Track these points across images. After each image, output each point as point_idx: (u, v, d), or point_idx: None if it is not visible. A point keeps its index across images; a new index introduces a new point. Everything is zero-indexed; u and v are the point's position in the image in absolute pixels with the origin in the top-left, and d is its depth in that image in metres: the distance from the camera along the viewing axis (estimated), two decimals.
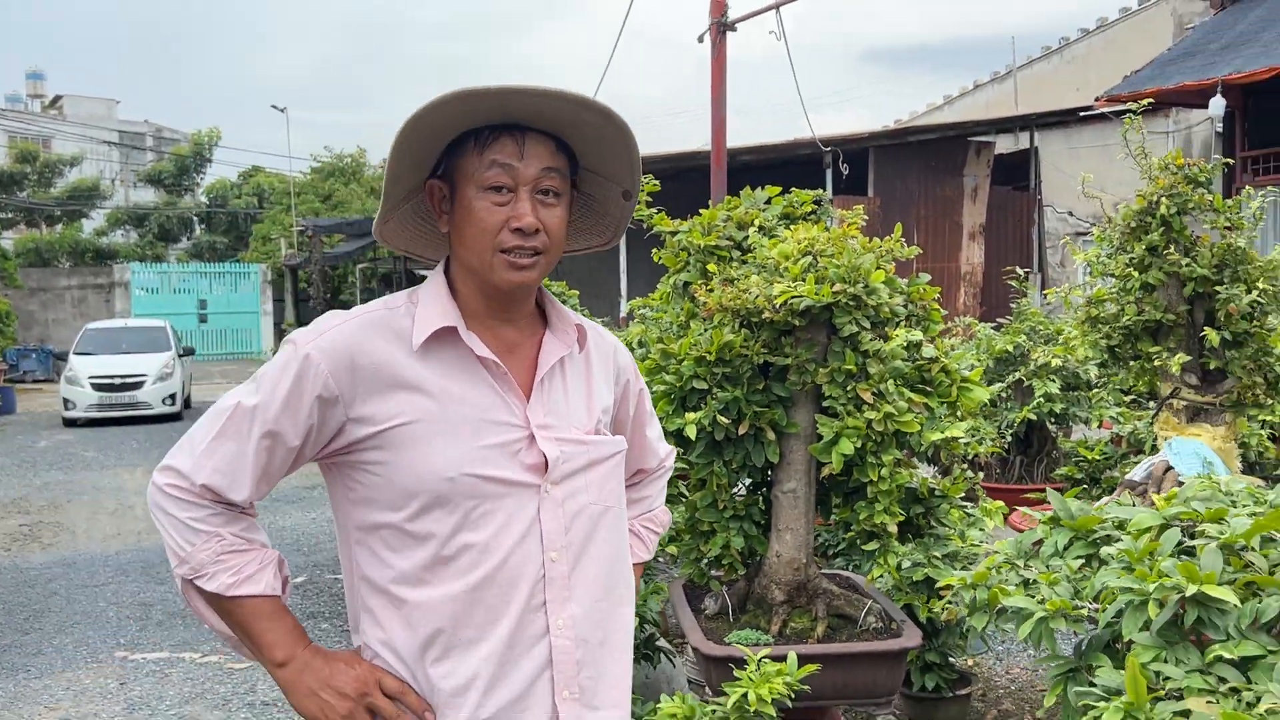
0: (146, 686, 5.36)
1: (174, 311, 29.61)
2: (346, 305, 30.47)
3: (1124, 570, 2.14)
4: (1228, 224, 4.47)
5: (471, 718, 1.56)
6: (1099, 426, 6.92)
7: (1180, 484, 4.21)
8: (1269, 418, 4.50)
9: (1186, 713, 1.79)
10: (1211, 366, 4.63)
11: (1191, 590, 1.92)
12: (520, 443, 1.60)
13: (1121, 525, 2.44)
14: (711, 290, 3.68)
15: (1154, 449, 4.70)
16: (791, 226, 4.17)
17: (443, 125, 1.56)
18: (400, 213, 1.69)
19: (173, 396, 17.72)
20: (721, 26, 6.14)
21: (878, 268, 3.48)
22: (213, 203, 39.85)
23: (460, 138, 1.59)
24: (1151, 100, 6.14)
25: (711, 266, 3.91)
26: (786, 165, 15.88)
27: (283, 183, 38.60)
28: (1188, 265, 4.40)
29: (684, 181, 16.36)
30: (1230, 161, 5.41)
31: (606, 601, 1.66)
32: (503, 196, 1.57)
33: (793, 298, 3.37)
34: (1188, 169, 4.57)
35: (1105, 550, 2.29)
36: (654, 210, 4.57)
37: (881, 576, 3.61)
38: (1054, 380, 6.78)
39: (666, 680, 4.39)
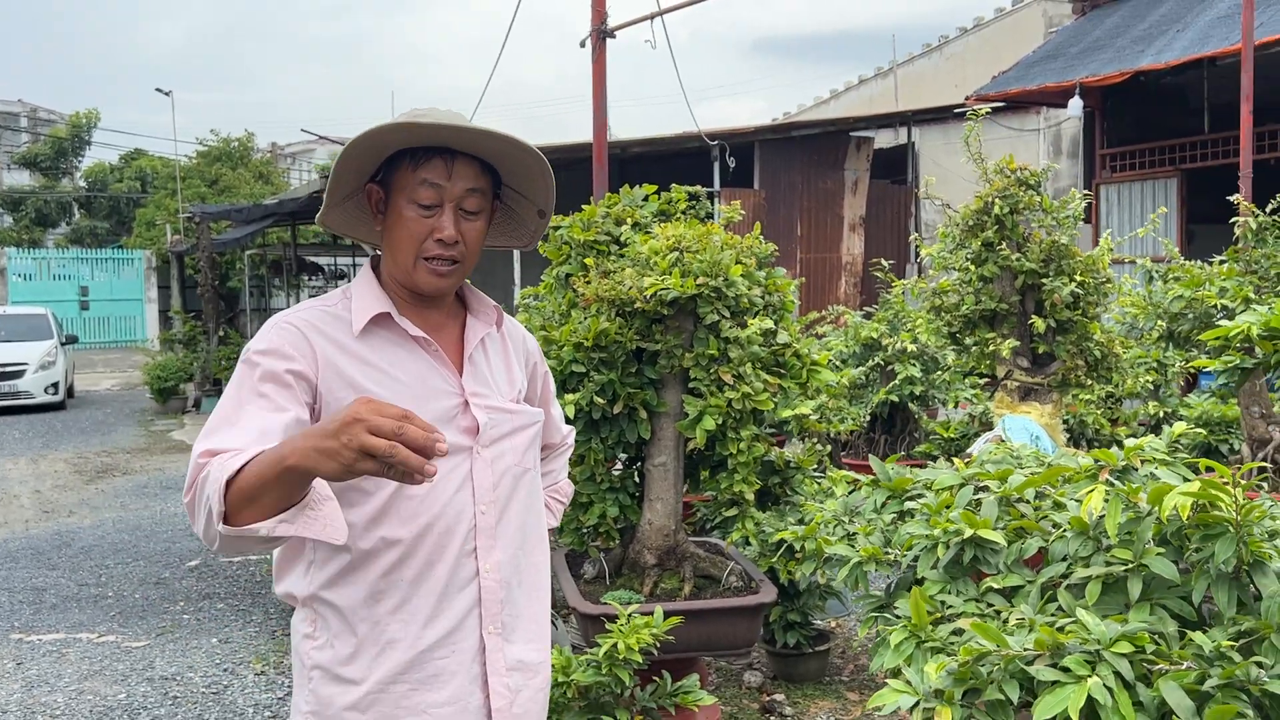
0: (44, 666, 5.49)
1: (53, 299, 28.76)
2: (234, 293, 29.70)
3: (924, 521, 2.55)
4: (1054, 222, 4.98)
5: (414, 646, 1.77)
6: (955, 407, 7.46)
7: None
8: (1089, 396, 5.02)
9: (959, 631, 2.19)
10: (1040, 350, 5.15)
11: (969, 534, 2.33)
12: (456, 409, 1.82)
13: (929, 485, 2.86)
14: (589, 282, 4.01)
15: (988, 425, 5.20)
16: (664, 223, 4.53)
17: (385, 144, 1.79)
18: (342, 207, 1.92)
19: (55, 385, 17.39)
20: (602, 34, 6.45)
21: (737, 262, 3.86)
22: (92, 187, 38.64)
23: (398, 153, 1.81)
24: (990, 109, 6.66)
25: (590, 260, 4.25)
26: (677, 157, 16.27)
27: (167, 166, 37.61)
28: (1019, 260, 4.90)
29: (576, 172, 16.65)
30: (1056, 167, 5.94)
31: (524, 549, 1.89)
32: (429, 211, 1.79)
33: (661, 290, 3.73)
34: (1019, 173, 5.07)
35: (909, 505, 2.70)
36: None
37: (748, 543, 4.00)
38: (914, 364, 7.29)
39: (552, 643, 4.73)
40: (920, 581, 2.58)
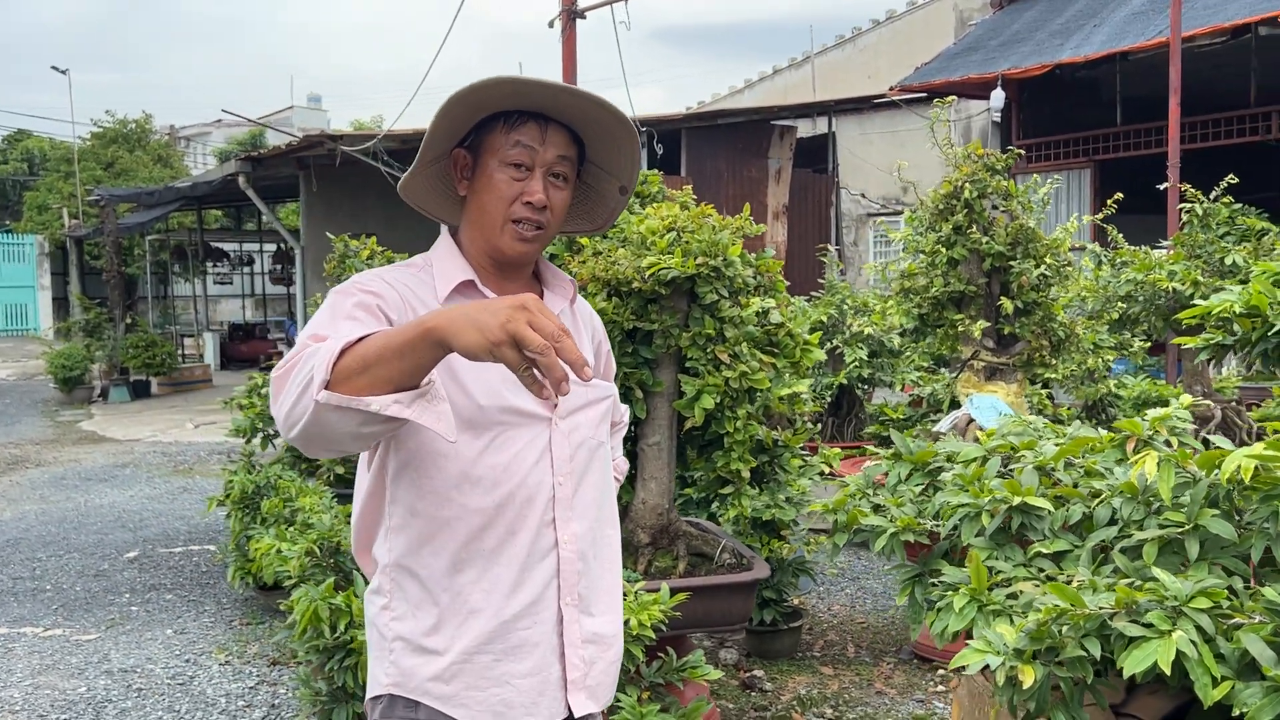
0: None
1: None
2: (132, 279, 28.64)
3: (958, 491, 2.61)
4: (1020, 207, 5.13)
5: (497, 616, 1.75)
6: (901, 390, 7.63)
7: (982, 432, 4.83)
8: (1053, 375, 5.19)
9: (1015, 595, 2.26)
10: (1005, 331, 5.30)
11: (1017, 501, 2.41)
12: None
13: (950, 458, 2.93)
14: (584, 262, 4.00)
15: (953, 405, 5.34)
16: (648, 205, 4.54)
17: (482, 103, 1.75)
18: (426, 173, 1.87)
19: None
20: (571, 14, 6.41)
21: (733, 243, 3.89)
22: None
23: (490, 117, 1.78)
24: (953, 97, 6.81)
25: (585, 240, 4.24)
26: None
27: (56, 148, 36.22)
28: (987, 243, 5.04)
29: None
30: (1022, 152, 6.11)
31: (599, 522, 1.88)
32: (520, 174, 1.77)
33: (661, 269, 3.74)
34: (987, 158, 5.21)
35: (943, 476, 2.77)
36: None
37: (730, 518, 4.05)
38: (862, 348, 7.43)
39: None
40: (955, 551, 2.64)
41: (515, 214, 1.79)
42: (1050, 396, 6.73)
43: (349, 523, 4.79)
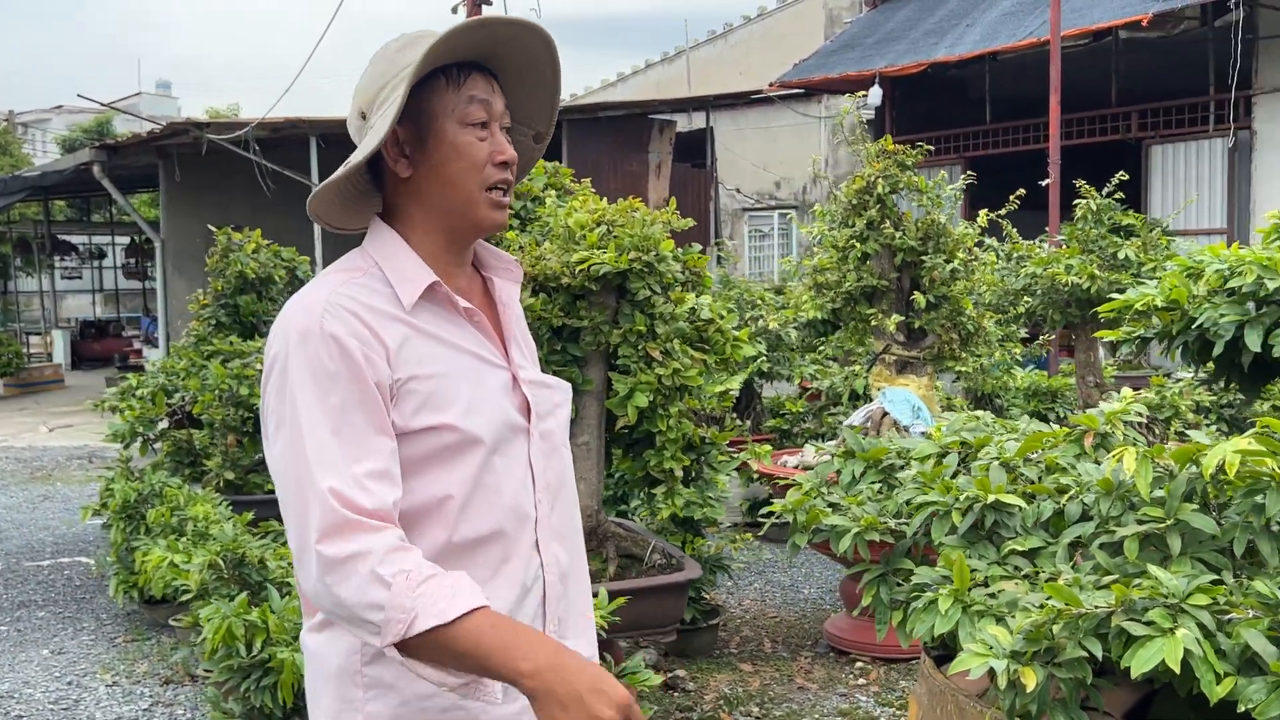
0: None
1: None
2: None
3: (922, 489, 2.58)
4: (933, 202, 5.20)
5: None
6: (799, 384, 7.68)
7: (896, 425, 4.87)
8: (963, 368, 5.29)
9: (994, 595, 2.24)
10: (916, 325, 5.37)
11: (990, 499, 2.39)
12: (509, 385, 1.63)
13: (904, 454, 2.91)
14: None
15: (853, 398, 5.39)
16: (565, 198, 4.43)
17: (432, 61, 1.53)
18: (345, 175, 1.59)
19: None
20: (478, 1, 6.26)
21: (664, 237, 3.82)
22: None
23: (426, 78, 1.56)
24: (863, 92, 6.87)
25: (511, 235, 4.10)
26: None
27: None
28: (899, 238, 5.09)
29: None
30: (931, 148, 6.20)
31: (573, 538, 1.73)
32: (483, 132, 1.58)
33: (593, 265, 3.63)
34: (898, 155, 5.26)
35: (901, 474, 2.74)
36: None
37: (664, 518, 3.97)
38: (760, 342, 7.46)
39: None
40: (917, 549, 2.62)
41: (490, 178, 1.58)
42: (935, 386, 6.89)
43: (252, 533, 4.54)
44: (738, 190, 22.28)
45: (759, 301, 7.57)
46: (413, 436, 1.51)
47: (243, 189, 15.67)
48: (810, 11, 22.57)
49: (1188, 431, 2.30)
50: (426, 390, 1.52)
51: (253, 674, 3.52)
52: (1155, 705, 2.36)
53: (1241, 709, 1.78)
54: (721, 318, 3.92)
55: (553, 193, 4.77)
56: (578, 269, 3.67)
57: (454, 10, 6.18)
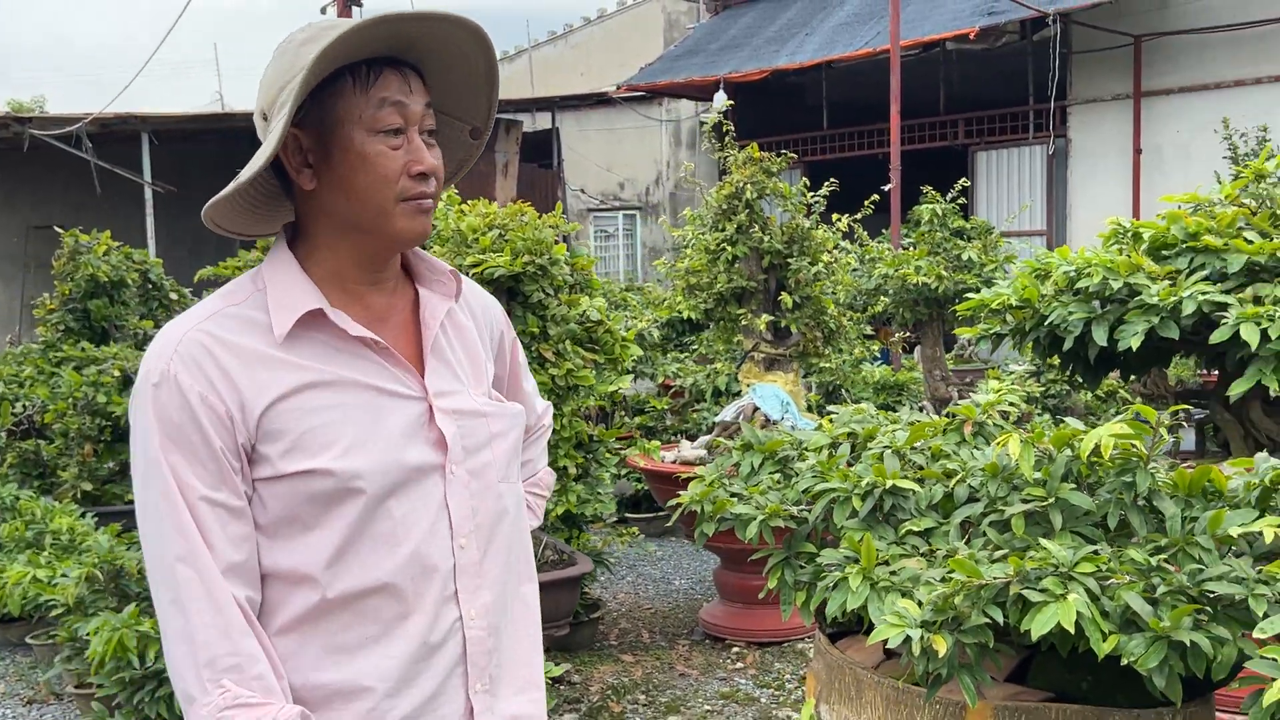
0: None
1: None
2: None
3: (823, 477, 2.77)
4: (794, 207, 5.47)
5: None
6: (661, 382, 7.88)
7: (767, 420, 5.10)
8: (826, 364, 5.57)
9: (896, 572, 2.44)
10: (783, 324, 5.63)
11: (889, 484, 2.59)
12: (421, 419, 1.46)
13: (799, 445, 3.10)
14: None
15: (715, 395, 5.62)
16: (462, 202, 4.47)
17: (334, 58, 1.35)
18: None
19: None
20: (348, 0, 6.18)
21: (556, 241, 3.92)
22: None
23: (328, 78, 1.38)
24: (730, 101, 7.09)
25: None
26: None
27: None
28: (767, 241, 5.33)
29: (196, 143, 15.59)
30: (794, 155, 6.48)
31: (512, 582, 1.56)
32: (397, 140, 1.40)
33: (488, 268, 3.71)
34: (764, 162, 5.50)
35: (798, 465, 2.93)
36: None
37: (558, 515, 4.08)
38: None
39: None
40: (815, 534, 2.81)
41: (405, 191, 1.40)
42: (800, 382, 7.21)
43: (131, 544, 4.42)
44: (583, 191, 22.46)
45: (621, 302, 7.74)
46: (281, 481, 1.38)
47: (63, 185, 14.94)
48: (650, 15, 22.95)
49: (1045, 419, 2.55)
50: (298, 431, 1.37)
51: (146, 685, 3.46)
52: (1034, 666, 2.61)
53: (1125, 662, 2.02)
54: (609, 319, 4.05)
55: None
56: (471, 272, 3.74)
57: (322, 11, 6.07)
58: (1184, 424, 4.85)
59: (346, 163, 1.40)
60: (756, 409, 5.13)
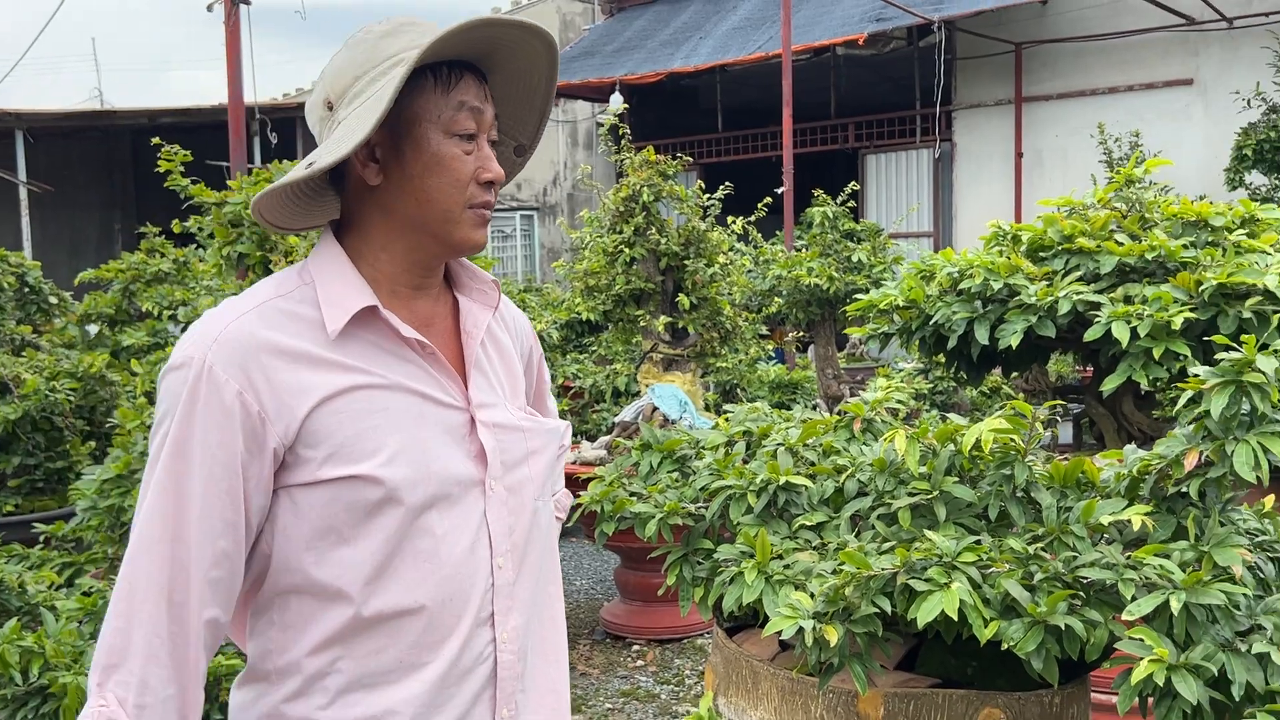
0: None
1: None
2: None
3: (719, 475, 2.83)
4: (691, 209, 5.54)
5: None
6: (560, 383, 7.90)
7: (666, 420, 5.16)
8: (723, 364, 5.66)
9: (789, 565, 2.51)
10: (680, 325, 5.70)
11: (782, 480, 2.66)
12: (464, 430, 1.42)
13: (696, 444, 3.16)
14: (293, 262, 3.85)
15: (615, 395, 5.67)
16: None
17: (425, 58, 1.35)
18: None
19: None
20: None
21: None
22: None
23: (411, 76, 1.36)
24: (625, 105, 7.13)
25: (293, 240, 4.06)
26: (207, 129, 15.31)
27: None
28: (664, 243, 5.39)
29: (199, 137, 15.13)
30: (690, 159, 6.55)
31: (543, 603, 1.53)
32: (469, 145, 1.39)
33: None
34: (660, 165, 5.56)
35: (695, 463, 2.98)
36: (189, 180, 4.54)
37: None
38: None
39: None
40: (712, 531, 2.87)
41: (473, 198, 1.39)
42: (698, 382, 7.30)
43: (9, 557, 4.27)
44: None
45: (520, 303, 7.73)
46: (321, 487, 1.33)
47: None
48: (545, 16, 22.91)
49: (934, 415, 2.65)
50: (343, 435, 1.33)
51: (30, 701, 3.34)
52: (922, 654, 2.71)
53: (1005, 646, 2.12)
54: None
55: None
56: None
57: (209, 9, 5.95)
58: (1058, 418, 5.06)
59: (419, 162, 1.38)
60: (655, 409, 5.19)
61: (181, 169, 4.56)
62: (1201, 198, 4.14)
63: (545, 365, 1.78)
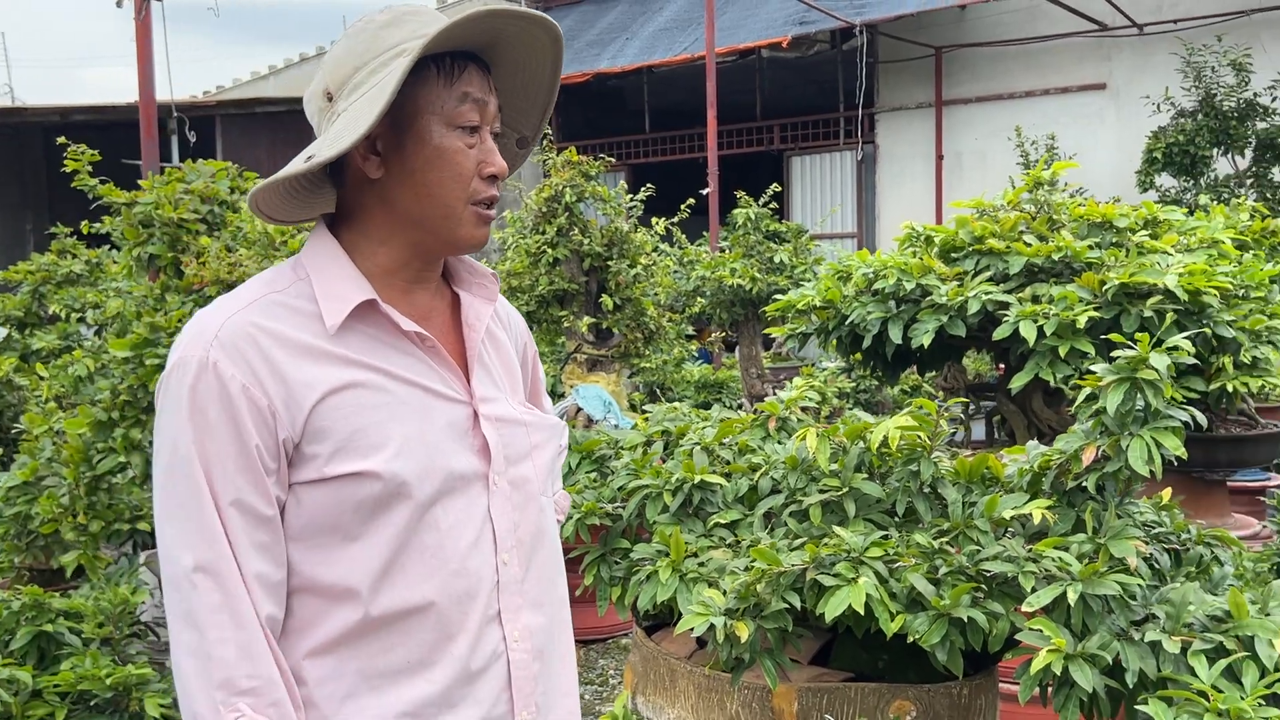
0: None
1: None
2: None
3: (636, 474, 2.85)
4: (614, 210, 5.56)
5: None
6: None
7: (590, 420, 5.17)
8: (647, 364, 5.69)
9: (704, 563, 2.53)
10: (604, 326, 5.71)
11: (697, 479, 2.68)
12: (467, 423, 1.39)
13: (615, 444, 3.17)
14: (205, 264, 3.79)
15: (560, 395, 5.65)
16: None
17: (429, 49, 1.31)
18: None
19: None
20: None
21: None
22: None
23: (415, 67, 1.32)
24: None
25: (205, 240, 3.99)
26: (120, 127, 14.98)
27: None
28: (587, 244, 5.40)
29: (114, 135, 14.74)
30: (613, 160, 6.56)
31: (555, 603, 1.49)
32: (472, 137, 1.36)
33: None
34: (582, 165, 5.57)
35: (614, 463, 3.00)
36: (99, 180, 4.44)
37: None
38: None
39: None
40: (629, 530, 2.89)
41: (476, 193, 1.37)
42: (622, 382, 7.32)
43: None
44: None
45: None
46: (326, 485, 1.30)
47: None
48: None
49: (856, 413, 2.70)
50: (348, 430, 1.30)
51: None
52: (835, 648, 2.75)
53: (910, 639, 2.16)
54: None
55: (242, 197, 4.67)
56: None
57: (118, 5, 5.82)
58: (963, 416, 5.15)
59: (421, 155, 1.35)
60: (579, 409, 5.20)
61: (89, 168, 4.46)
62: (1115, 200, 4.25)
63: (539, 363, 1.76)
